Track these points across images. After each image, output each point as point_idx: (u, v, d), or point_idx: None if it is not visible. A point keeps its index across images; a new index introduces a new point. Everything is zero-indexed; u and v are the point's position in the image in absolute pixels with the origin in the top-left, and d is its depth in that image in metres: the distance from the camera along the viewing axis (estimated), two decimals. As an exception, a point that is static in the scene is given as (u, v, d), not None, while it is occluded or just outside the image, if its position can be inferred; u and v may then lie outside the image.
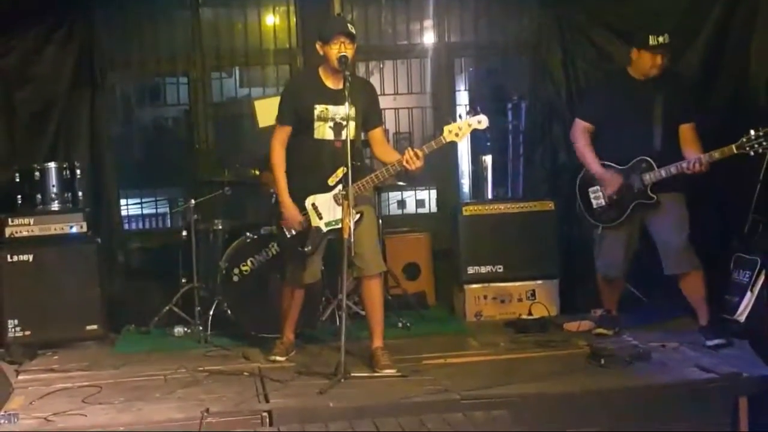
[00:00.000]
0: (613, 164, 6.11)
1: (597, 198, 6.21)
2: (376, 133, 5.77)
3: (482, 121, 5.48)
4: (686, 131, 6.02)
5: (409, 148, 5.44)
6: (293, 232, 5.67)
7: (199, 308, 6.72)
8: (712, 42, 7.06)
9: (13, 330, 6.39)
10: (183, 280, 6.88)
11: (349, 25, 5.57)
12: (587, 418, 4.98)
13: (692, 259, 5.98)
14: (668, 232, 6.02)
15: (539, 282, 7.12)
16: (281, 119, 5.70)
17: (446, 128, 5.46)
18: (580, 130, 6.24)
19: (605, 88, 6.47)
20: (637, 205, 6.04)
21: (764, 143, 5.57)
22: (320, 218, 5.62)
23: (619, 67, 6.35)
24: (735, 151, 5.66)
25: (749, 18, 6.85)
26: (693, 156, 5.83)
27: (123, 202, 7.90)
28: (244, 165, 7.00)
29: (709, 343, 5.84)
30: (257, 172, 6.81)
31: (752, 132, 5.59)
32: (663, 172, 5.91)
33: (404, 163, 5.41)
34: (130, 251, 7.66)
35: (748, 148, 5.61)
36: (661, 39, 5.95)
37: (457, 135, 5.45)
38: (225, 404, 4.96)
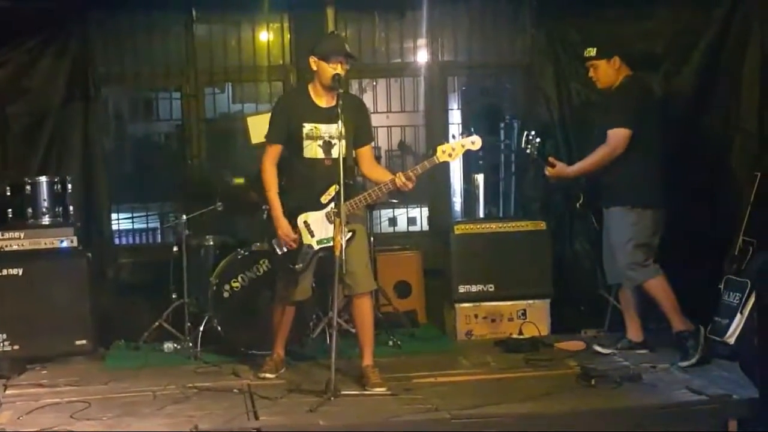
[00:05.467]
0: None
1: None
2: (365, 151, 5.79)
3: (476, 142, 5.53)
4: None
5: (400, 173, 5.47)
6: (284, 249, 5.67)
7: (189, 324, 6.71)
8: (704, 63, 7.10)
9: (1, 344, 6.35)
10: (173, 296, 6.85)
11: (347, 45, 5.62)
12: (577, 438, 4.99)
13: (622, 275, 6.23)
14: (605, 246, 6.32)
15: (530, 301, 7.11)
16: (270, 138, 5.72)
17: (439, 148, 5.50)
18: None
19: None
20: (583, 207, 6.45)
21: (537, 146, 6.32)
22: (312, 236, 5.62)
23: None
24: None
25: (741, 40, 6.90)
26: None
27: (114, 216, 7.88)
28: (232, 175, 6.97)
29: (681, 364, 5.90)
30: (242, 181, 6.77)
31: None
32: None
33: (397, 185, 5.44)
34: (121, 266, 7.63)
35: (529, 148, 6.35)
36: (586, 53, 6.29)
37: (450, 155, 5.49)
38: (214, 421, 4.95)
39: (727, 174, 6.86)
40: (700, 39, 7.11)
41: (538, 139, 6.32)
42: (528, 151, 6.31)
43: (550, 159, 6.31)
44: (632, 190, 6.07)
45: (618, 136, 6.01)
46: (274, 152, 5.70)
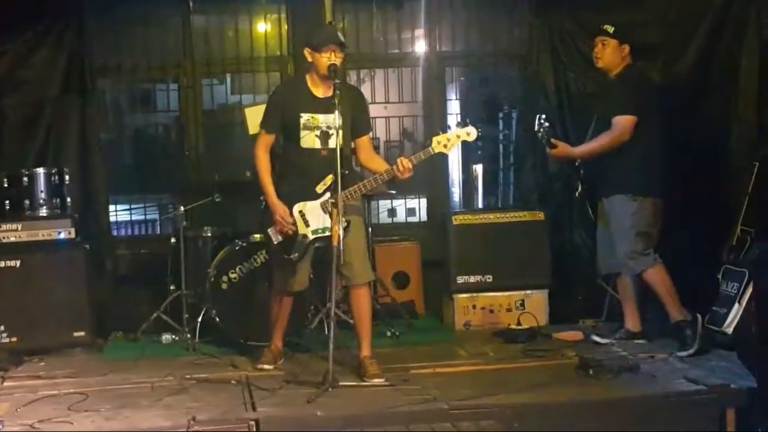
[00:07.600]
0: None
1: None
2: (363, 141, 5.78)
3: (471, 133, 5.52)
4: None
5: (401, 158, 5.45)
6: (279, 238, 5.66)
7: (187, 315, 6.70)
8: (702, 54, 7.06)
9: (-1, 336, 6.38)
10: (171, 287, 6.84)
11: (339, 34, 5.60)
12: (575, 428, 4.98)
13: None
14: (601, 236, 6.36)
15: (528, 292, 7.11)
16: (265, 126, 5.73)
17: (435, 139, 5.49)
18: None
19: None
20: (581, 197, 6.45)
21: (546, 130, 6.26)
22: (307, 226, 5.61)
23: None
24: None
25: (739, 30, 6.86)
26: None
27: (112, 208, 7.87)
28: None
29: (679, 354, 5.90)
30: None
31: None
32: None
33: (396, 172, 5.43)
34: (119, 257, 7.63)
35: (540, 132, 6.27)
36: (603, 27, 6.21)
37: (445, 146, 5.48)
38: (212, 412, 4.95)
39: (725, 163, 6.84)
40: (698, 28, 7.07)
41: (547, 124, 6.30)
42: (539, 135, 6.29)
43: (552, 140, 6.28)
44: (633, 178, 6.06)
45: (624, 122, 6.01)
46: (267, 141, 5.71)
